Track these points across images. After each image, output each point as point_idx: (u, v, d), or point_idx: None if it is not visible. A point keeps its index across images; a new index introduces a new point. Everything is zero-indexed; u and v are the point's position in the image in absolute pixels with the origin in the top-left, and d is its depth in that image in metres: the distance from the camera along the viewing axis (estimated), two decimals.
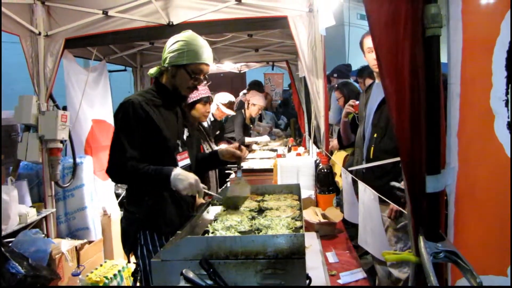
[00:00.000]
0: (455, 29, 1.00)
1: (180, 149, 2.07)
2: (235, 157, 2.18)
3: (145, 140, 1.90)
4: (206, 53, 1.99)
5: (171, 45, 1.98)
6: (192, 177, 1.81)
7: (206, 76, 2.08)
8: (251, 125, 5.55)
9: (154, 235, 1.96)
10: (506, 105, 0.99)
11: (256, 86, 6.30)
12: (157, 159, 1.89)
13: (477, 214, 1.05)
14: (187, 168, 2.07)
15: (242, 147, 2.22)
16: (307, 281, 1.42)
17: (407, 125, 0.99)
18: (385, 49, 0.99)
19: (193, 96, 2.80)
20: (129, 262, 2.20)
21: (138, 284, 2.01)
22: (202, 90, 2.83)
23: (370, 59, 2.42)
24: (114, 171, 1.89)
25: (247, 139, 5.13)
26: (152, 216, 1.95)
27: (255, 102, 5.12)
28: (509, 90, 0.98)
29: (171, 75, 2.00)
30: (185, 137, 2.15)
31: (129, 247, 2.02)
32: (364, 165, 2.43)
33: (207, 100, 2.90)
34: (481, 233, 1.05)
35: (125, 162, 1.84)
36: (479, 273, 0.92)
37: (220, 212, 1.98)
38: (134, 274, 2.03)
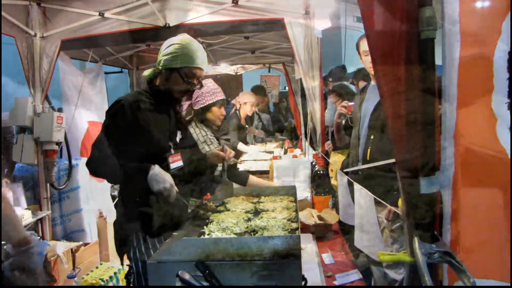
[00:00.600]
0: (451, 31, 0.99)
1: (172, 151, 2.05)
2: (220, 158, 2.16)
3: (134, 141, 1.89)
4: (200, 57, 1.99)
5: (166, 47, 1.98)
6: (168, 181, 1.81)
7: (201, 81, 2.07)
8: (247, 126, 5.53)
9: (146, 237, 1.95)
10: (509, 108, 0.97)
11: (257, 89, 6.29)
12: (147, 160, 1.89)
13: (478, 217, 1.04)
14: (179, 170, 2.07)
15: (226, 147, 2.19)
16: (303, 283, 1.42)
17: (402, 126, 0.99)
18: (380, 52, 1.00)
19: (209, 99, 2.74)
20: (122, 264, 2.18)
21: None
22: (218, 93, 2.77)
23: (366, 62, 2.43)
24: (94, 163, 1.93)
25: (239, 146, 5.11)
26: (144, 218, 1.94)
27: (245, 101, 5.12)
28: None
29: (165, 78, 2.00)
30: (178, 139, 2.13)
31: (122, 249, 2.02)
32: (360, 167, 2.43)
33: (223, 103, 2.85)
34: (482, 236, 1.04)
35: (105, 157, 1.86)
36: (480, 277, 0.92)
37: (216, 214, 1.97)
38: (127, 276, 2.02)
